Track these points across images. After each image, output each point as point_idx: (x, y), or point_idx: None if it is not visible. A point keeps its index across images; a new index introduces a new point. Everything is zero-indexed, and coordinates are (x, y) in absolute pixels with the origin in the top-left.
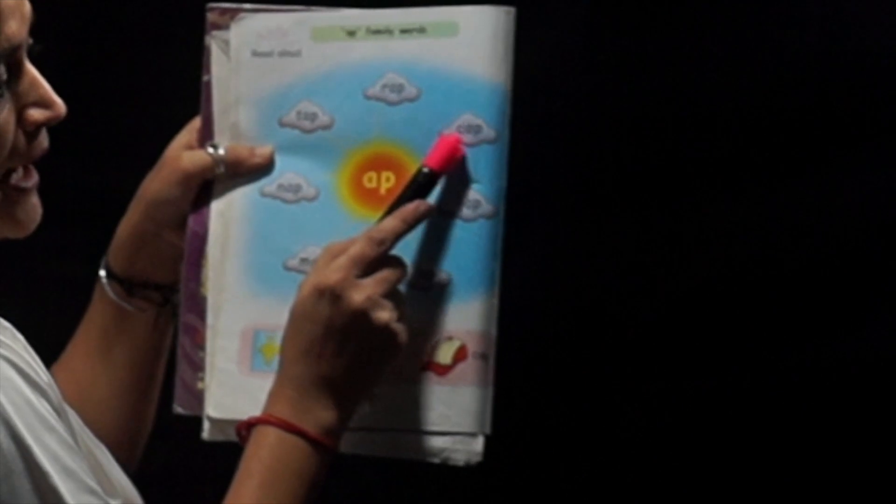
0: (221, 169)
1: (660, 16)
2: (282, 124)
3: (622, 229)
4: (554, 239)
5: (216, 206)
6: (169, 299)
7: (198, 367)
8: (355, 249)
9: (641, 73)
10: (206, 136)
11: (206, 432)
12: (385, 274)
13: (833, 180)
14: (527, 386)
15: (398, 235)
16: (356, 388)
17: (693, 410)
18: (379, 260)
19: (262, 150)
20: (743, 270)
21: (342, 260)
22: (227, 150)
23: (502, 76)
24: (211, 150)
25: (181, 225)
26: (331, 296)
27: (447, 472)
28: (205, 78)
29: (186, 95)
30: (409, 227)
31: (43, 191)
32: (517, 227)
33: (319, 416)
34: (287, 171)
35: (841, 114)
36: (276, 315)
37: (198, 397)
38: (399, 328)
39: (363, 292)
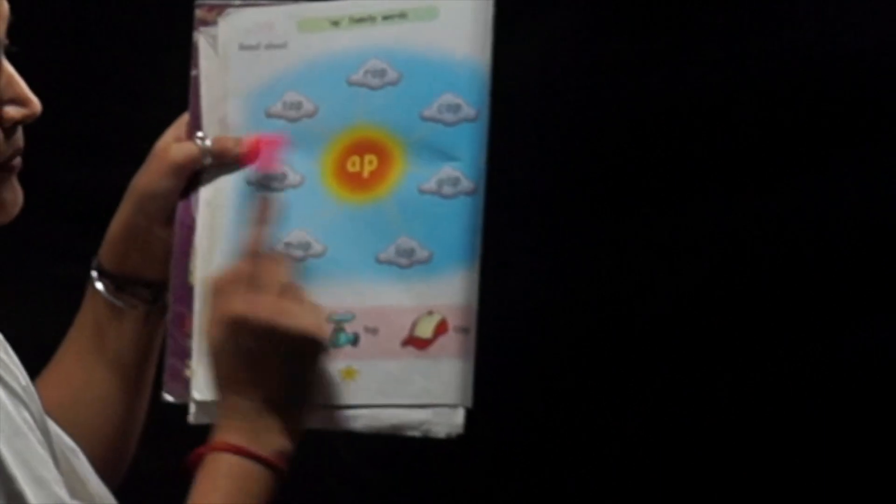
0: (209, 159)
1: (659, 16)
2: (269, 115)
3: (621, 230)
4: (554, 239)
5: (204, 196)
6: (159, 297)
7: (186, 355)
8: (235, 270)
9: (641, 73)
10: (194, 130)
11: (192, 416)
12: (271, 276)
13: (833, 180)
14: (530, 387)
15: (260, 237)
16: (297, 400)
17: (694, 411)
18: (263, 266)
19: (248, 140)
20: (742, 271)
21: (230, 286)
22: (213, 141)
23: (481, 56)
24: (199, 141)
25: (170, 220)
26: (233, 323)
27: (449, 472)
28: (193, 73)
29: (184, 95)
30: (264, 223)
31: (42, 190)
32: (518, 227)
33: (271, 439)
34: None
35: (841, 114)
36: None
37: (186, 385)
38: (310, 322)
39: (264, 307)
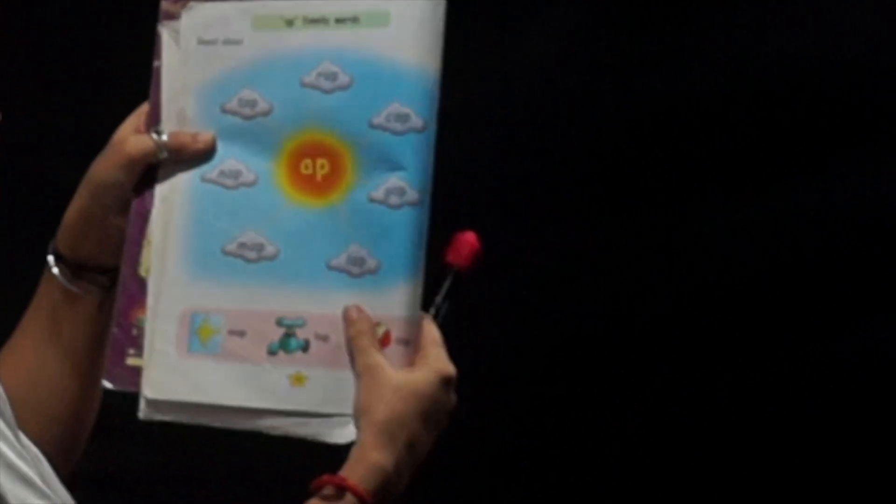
0: (165, 154)
1: (659, 16)
2: (224, 111)
3: (621, 229)
4: (554, 239)
5: (160, 191)
6: (115, 283)
7: (129, 343)
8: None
9: (641, 73)
10: (153, 121)
11: (142, 412)
12: None
13: (833, 180)
14: (529, 386)
15: None
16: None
17: (694, 411)
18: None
19: (204, 137)
20: (742, 271)
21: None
22: (170, 136)
23: (431, 65)
24: (155, 135)
25: (126, 208)
26: (453, 386)
27: (448, 471)
28: (155, 64)
29: None
30: None
31: (39, 191)
32: (517, 227)
33: (394, 499)
34: (228, 157)
35: (840, 114)
36: (213, 298)
37: (128, 372)
38: None
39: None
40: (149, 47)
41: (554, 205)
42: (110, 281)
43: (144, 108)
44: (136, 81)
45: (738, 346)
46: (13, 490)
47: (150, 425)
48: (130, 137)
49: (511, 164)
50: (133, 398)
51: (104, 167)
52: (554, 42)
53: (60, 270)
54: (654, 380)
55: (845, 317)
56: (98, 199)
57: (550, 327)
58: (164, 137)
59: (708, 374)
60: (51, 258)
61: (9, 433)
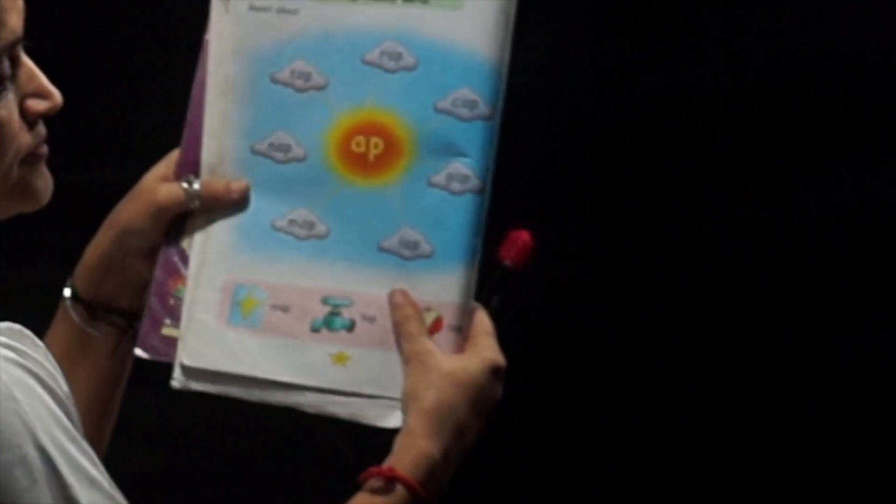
0: (196, 203)
1: (659, 16)
2: (274, 80)
3: (621, 230)
4: (554, 239)
5: (207, 162)
6: (132, 324)
7: (166, 313)
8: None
9: (641, 73)
10: (185, 168)
11: (176, 381)
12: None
13: (832, 181)
14: (529, 386)
15: None
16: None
17: (694, 411)
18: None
19: (238, 186)
20: (742, 271)
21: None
22: (203, 186)
23: (501, 54)
24: (185, 185)
25: (150, 254)
26: (502, 377)
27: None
28: (206, 38)
29: (186, 95)
30: None
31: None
32: (517, 226)
33: (442, 487)
34: (278, 129)
35: (840, 114)
36: (258, 271)
37: (163, 342)
38: None
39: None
40: (157, 48)
41: (553, 204)
42: (127, 323)
43: (173, 156)
44: (146, 83)
45: (738, 346)
46: (86, 495)
47: (152, 427)
48: (161, 186)
49: (510, 164)
50: (135, 400)
51: (130, 215)
52: (554, 42)
53: (76, 310)
54: (654, 380)
55: (845, 317)
56: (122, 245)
57: (550, 327)
58: (196, 186)
59: (708, 374)
60: (67, 294)
61: (77, 435)
